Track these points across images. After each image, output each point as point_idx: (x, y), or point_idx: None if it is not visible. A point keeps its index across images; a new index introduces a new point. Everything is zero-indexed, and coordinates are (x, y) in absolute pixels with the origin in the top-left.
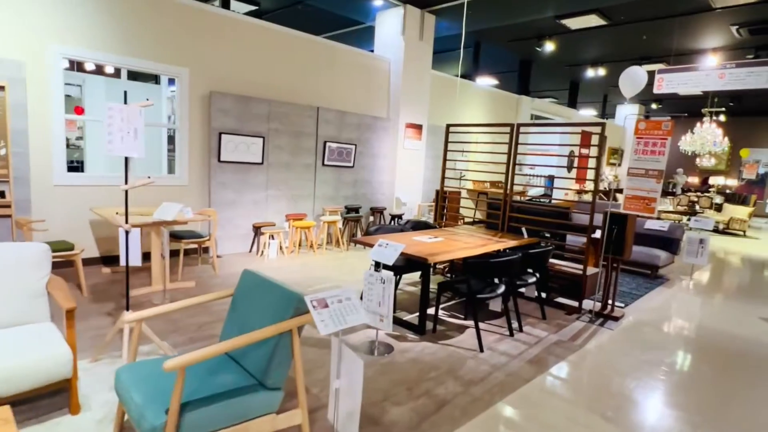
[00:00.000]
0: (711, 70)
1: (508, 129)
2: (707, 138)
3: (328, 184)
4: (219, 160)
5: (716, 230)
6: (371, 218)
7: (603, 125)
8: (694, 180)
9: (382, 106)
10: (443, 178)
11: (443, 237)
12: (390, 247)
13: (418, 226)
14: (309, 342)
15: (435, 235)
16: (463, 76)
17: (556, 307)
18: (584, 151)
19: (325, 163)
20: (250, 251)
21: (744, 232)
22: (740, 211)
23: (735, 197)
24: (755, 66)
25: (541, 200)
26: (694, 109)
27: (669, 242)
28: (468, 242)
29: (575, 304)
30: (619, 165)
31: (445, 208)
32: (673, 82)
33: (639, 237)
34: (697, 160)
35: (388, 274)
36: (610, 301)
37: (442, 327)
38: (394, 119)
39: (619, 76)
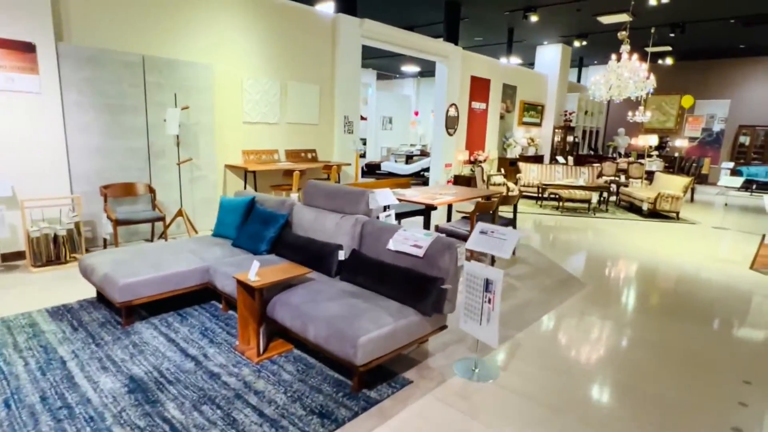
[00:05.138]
0: None
1: None
2: (625, 76)
3: None
4: None
5: (639, 211)
6: None
7: None
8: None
9: None
10: None
11: None
12: None
13: None
14: None
15: None
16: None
17: None
18: (477, 105)
19: None
20: None
21: (677, 214)
22: (673, 184)
23: (681, 162)
24: None
25: (424, 174)
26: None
27: (425, 285)
28: None
29: None
30: (540, 125)
31: None
32: None
33: (374, 269)
34: (629, 114)
35: None
36: None
37: None
38: None
39: None
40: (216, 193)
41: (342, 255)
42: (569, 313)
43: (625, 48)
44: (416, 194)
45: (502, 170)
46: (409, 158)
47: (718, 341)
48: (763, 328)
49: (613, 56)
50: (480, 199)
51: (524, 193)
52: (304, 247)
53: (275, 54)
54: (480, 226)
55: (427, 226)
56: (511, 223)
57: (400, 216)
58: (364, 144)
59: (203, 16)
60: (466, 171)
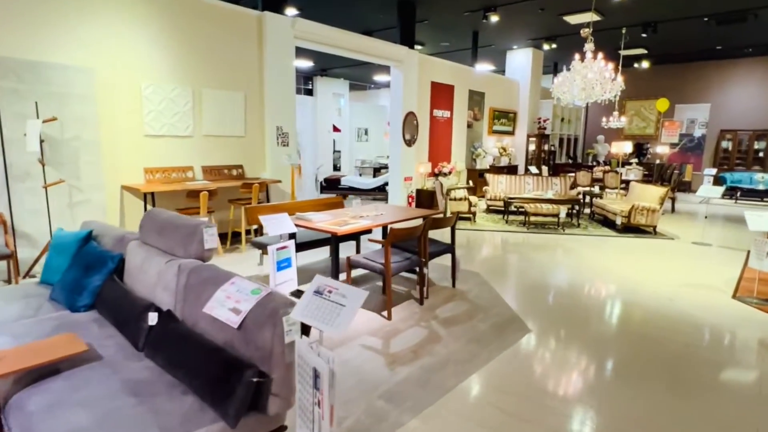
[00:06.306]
0: None
1: None
2: (590, 78)
3: None
4: None
5: (614, 225)
6: None
7: None
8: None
9: None
10: None
11: None
12: None
13: None
14: None
15: None
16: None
17: None
18: (440, 113)
19: None
20: None
21: (654, 228)
22: (648, 195)
23: (662, 170)
24: None
25: (387, 188)
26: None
27: (230, 374)
28: None
29: None
30: (512, 134)
31: None
32: None
33: (181, 343)
34: (603, 120)
35: None
36: None
37: None
38: None
39: None
40: (107, 220)
41: (154, 318)
42: (493, 380)
43: (589, 47)
44: (328, 218)
45: (470, 182)
46: (376, 171)
47: (688, 421)
48: (746, 389)
49: (577, 56)
50: (399, 224)
51: (492, 208)
52: (115, 304)
53: (183, 57)
54: (317, 281)
55: (336, 259)
56: (450, 249)
57: (315, 245)
58: (339, 157)
59: (79, 7)
60: (430, 184)
